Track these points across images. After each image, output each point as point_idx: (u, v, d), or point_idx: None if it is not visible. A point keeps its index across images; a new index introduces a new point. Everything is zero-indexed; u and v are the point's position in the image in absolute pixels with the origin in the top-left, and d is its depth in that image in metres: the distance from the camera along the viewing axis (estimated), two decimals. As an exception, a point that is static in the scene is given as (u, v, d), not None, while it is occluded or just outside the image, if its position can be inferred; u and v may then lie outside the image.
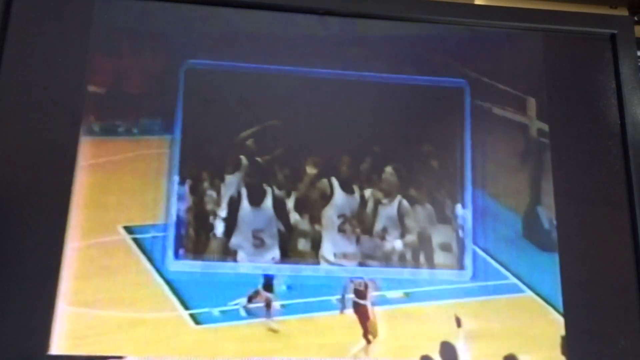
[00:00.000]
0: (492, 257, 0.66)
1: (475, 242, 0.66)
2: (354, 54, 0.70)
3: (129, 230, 0.61)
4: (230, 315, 0.60)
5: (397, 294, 0.63)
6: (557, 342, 0.64)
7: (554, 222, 0.68)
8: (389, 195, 0.66)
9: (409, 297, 0.63)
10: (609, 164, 0.70)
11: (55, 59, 0.64)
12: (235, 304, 0.60)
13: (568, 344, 0.63)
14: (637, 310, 0.65)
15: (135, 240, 0.61)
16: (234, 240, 0.62)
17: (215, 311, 0.60)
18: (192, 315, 0.59)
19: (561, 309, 0.65)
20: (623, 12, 0.80)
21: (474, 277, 0.65)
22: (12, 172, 0.61)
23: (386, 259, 0.64)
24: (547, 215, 0.68)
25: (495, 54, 0.73)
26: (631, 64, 0.73)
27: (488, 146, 0.70)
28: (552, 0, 0.78)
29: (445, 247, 0.66)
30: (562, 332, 0.64)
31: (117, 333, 0.58)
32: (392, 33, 0.72)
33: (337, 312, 0.61)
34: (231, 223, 0.63)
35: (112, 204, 0.62)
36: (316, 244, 0.63)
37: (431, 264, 0.65)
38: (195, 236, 0.62)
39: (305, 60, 0.69)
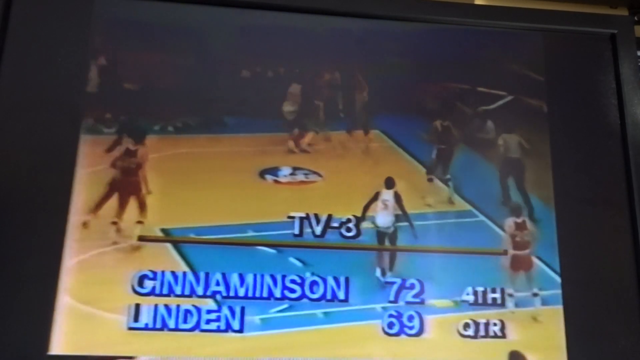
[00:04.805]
0: None
1: None
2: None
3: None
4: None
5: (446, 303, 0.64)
6: None
7: None
8: None
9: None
10: (609, 164, 0.70)
11: (56, 58, 0.64)
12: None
13: (568, 344, 0.63)
14: (637, 310, 0.65)
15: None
16: None
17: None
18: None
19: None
20: (623, 12, 0.79)
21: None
22: (12, 172, 0.61)
23: None
24: None
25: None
26: (631, 64, 0.73)
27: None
28: (552, 0, 0.78)
29: None
30: None
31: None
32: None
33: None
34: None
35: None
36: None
37: None
38: None
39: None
